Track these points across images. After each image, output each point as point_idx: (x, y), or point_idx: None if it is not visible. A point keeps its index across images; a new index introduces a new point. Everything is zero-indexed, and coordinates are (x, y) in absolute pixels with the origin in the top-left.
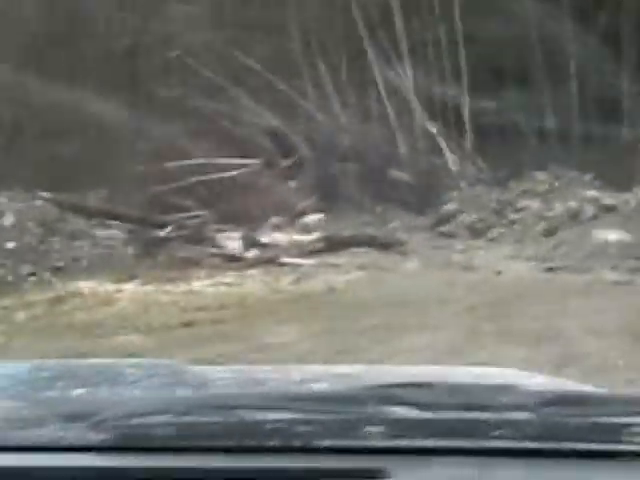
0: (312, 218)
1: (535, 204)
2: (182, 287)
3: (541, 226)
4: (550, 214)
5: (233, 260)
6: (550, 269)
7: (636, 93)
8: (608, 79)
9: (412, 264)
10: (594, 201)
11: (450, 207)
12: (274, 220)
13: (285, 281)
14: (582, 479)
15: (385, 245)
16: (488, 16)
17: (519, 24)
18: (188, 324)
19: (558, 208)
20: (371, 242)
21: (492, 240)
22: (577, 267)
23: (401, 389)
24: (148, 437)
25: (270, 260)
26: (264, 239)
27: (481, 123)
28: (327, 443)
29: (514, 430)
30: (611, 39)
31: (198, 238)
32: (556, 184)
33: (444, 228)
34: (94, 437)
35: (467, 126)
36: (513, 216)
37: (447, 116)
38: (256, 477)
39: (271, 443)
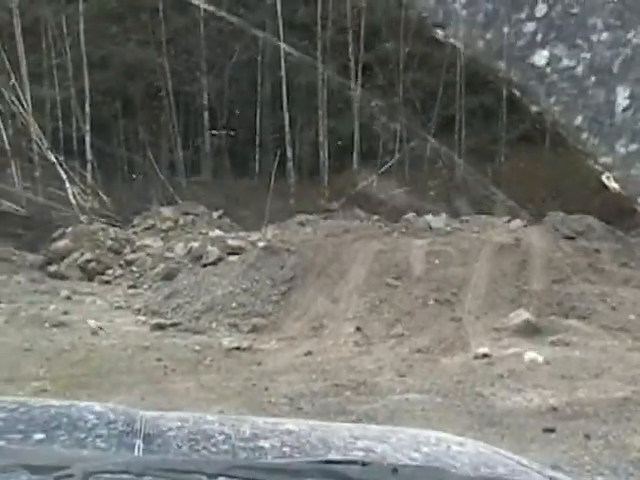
0: None
1: (157, 243)
2: None
3: (159, 269)
4: (171, 255)
5: None
6: (159, 326)
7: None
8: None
9: None
10: (219, 241)
11: (63, 244)
12: None
13: None
14: None
15: None
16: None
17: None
18: None
19: (180, 248)
20: None
21: (105, 283)
22: (191, 325)
23: (343, 466)
24: None
25: None
26: None
27: (110, 155)
28: None
29: None
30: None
31: None
32: (181, 221)
33: (54, 268)
34: None
35: (89, 156)
36: (131, 256)
37: (70, 146)
38: None
39: None
